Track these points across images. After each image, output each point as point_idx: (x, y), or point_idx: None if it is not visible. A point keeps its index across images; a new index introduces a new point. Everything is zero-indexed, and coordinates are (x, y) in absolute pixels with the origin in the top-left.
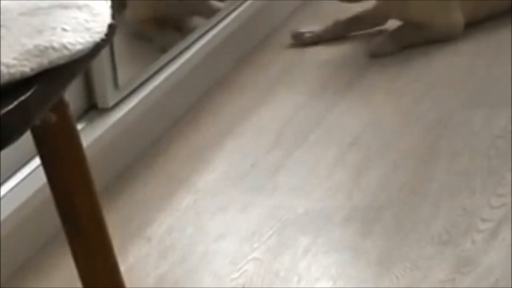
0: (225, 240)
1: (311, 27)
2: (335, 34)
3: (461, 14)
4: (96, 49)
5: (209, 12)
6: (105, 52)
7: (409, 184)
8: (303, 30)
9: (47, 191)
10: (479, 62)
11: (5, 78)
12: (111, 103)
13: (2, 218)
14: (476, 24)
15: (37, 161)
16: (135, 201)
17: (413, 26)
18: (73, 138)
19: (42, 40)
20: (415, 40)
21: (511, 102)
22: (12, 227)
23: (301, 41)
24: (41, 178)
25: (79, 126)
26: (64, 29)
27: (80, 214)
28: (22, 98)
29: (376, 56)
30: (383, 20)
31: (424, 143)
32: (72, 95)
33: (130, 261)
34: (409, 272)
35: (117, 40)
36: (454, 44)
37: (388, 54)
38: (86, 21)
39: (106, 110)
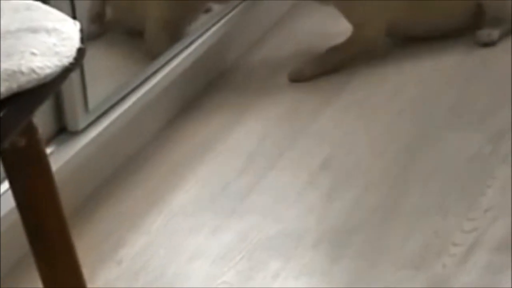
0: (196, 262)
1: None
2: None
3: (382, 29)
4: (65, 73)
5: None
6: (75, 75)
7: (381, 207)
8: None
9: None
10: (453, 84)
11: None
12: (81, 126)
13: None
14: (448, 44)
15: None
16: (106, 224)
17: (334, 49)
18: (42, 162)
19: (10, 64)
20: (337, 63)
21: (484, 125)
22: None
23: (302, 78)
24: None
25: (49, 149)
26: (33, 53)
27: (48, 237)
28: None
29: (295, 81)
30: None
31: (397, 165)
32: (42, 118)
33: (99, 284)
34: None
35: (87, 61)
36: (428, 65)
37: (308, 79)
38: (55, 45)
39: (76, 133)
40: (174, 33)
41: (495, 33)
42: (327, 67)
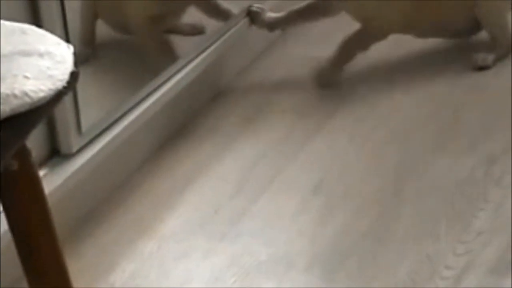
0: (188, 287)
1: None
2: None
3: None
4: (58, 96)
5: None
6: (68, 98)
7: (373, 230)
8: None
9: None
10: (445, 107)
11: None
12: (74, 149)
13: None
14: (441, 67)
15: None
16: (99, 247)
17: (347, 43)
18: (35, 185)
19: (3, 88)
20: (354, 53)
21: (477, 148)
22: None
23: (330, 81)
24: None
25: (42, 172)
26: (26, 77)
27: (41, 261)
28: None
29: (325, 86)
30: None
31: (388, 189)
32: (35, 141)
33: None
34: None
35: (80, 84)
36: (420, 89)
37: (336, 79)
38: (48, 68)
39: (69, 156)
40: (160, 30)
41: (490, 58)
42: (345, 60)
